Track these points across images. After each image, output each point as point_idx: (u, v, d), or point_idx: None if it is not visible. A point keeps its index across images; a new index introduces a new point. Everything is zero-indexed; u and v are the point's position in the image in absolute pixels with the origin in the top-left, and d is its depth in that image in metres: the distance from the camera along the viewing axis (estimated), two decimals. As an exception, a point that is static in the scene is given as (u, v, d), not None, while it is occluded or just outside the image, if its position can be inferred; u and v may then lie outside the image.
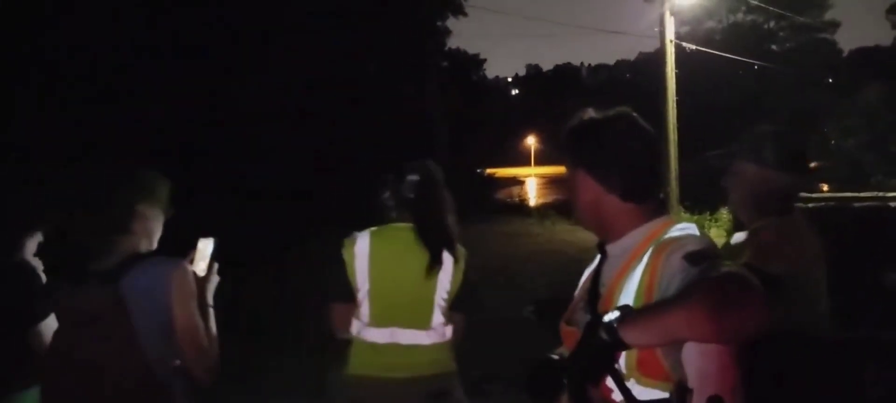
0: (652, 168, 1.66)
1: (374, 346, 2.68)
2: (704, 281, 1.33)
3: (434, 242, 2.68)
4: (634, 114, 1.67)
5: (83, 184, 2.33)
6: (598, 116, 1.68)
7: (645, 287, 1.49)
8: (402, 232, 2.70)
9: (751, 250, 2.15)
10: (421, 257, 2.66)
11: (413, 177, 2.72)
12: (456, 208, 2.82)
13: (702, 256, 1.43)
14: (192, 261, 2.42)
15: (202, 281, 2.35)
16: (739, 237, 2.26)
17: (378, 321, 2.68)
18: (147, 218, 2.28)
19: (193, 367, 2.14)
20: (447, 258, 2.72)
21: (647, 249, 1.54)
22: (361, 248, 2.69)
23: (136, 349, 2.05)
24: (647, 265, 1.51)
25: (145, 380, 2.06)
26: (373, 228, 2.75)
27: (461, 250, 2.79)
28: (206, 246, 2.46)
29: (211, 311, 2.33)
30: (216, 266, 2.44)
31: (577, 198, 1.71)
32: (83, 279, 2.15)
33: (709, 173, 2.45)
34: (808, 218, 2.28)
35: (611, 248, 1.67)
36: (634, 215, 1.63)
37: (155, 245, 2.34)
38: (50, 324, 2.36)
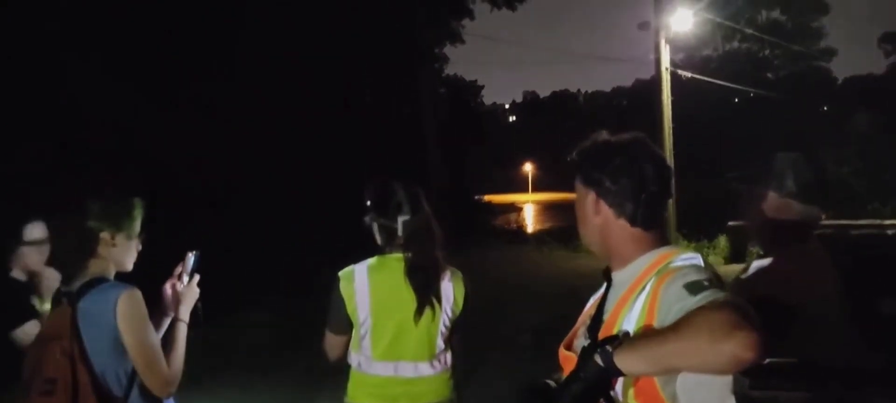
0: (663, 195, 1.65)
1: (375, 379, 2.66)
2: (701, 310, 1.32)
3: (425, 280, 2.66)
4: (647, 139, 1.67)
5: (55, 209, 2.45)
6: (612, 139, 1.68)
7: (646, 315, 1.48)
8: (399, 264, 2.67)
9: (770, 279, 2.13)
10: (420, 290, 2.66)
11: (404, 217, 2.68)
12: (446, 238, 2.77)
13: (701, 286, 1.41)
14: (179, 275, 2.55)
15: (179, 296, 2.52)
16: (758, 264, 2.23)
17: (381, 356, 2.66)
18: (113, 244, 2.38)
19: (147, 382, 2.28)
20: (447, 286, 2.71)
21: (651, 277, 1.54)
22: (360, 284, 2.66)
23: (88, 365, 2.21)
24: (650, 293, 1.50)
25: (98, 393, 2.22)
26: (370, 261, 2.72)
27: (459, 275, 2.78)
28: (189, 260, 2.56)
29: (181, 326, 2.47)
30: (196, 278, 2.56)
31: (585, 220, 1.70)
32: (58, 300, 2.35)
33: (730, 197, 2.41)
34: (825, 247, 2.25)
35: (616, 275, 1.66)
36: (642, 242, 1.62)
37: (129, 267, 2.45)
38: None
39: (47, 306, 3.04)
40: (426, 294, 2.65)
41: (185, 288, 2.55)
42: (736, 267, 8.11)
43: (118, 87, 11.79)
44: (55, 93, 11.12)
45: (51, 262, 3.14)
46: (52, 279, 3.10)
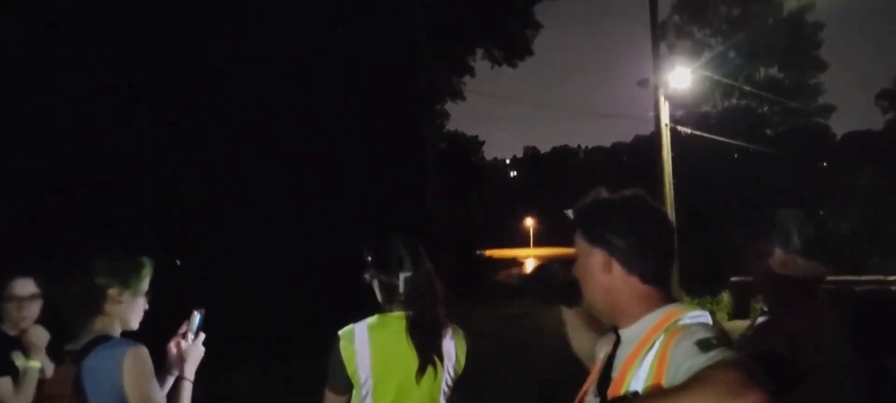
0: (668, 250, 1.64)
1: None
2: (711, 369, 1.32)
3: (427, 339, 2.62)
4: (648, 196, 1.67)
5: (61, 266, 2.43)
6: (614, 197, 1.68)
7: (654, 374, 1.47)
8: (400, 322, 2.63)
9: (776, 336, 2.12)
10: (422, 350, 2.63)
11: (405, 274, 2.65)
12: (448, 294, 2.75)
13: (711, 344, 1.41)
14: (184, 334, 2.53)
15: (184, 354, 2.50)
16: (764, 320, 2.22)
17: None
18: (120, 301, 2.38)
19: None
20: (448, 344, 2.68)
21: (660, 335, 1.53)
22: (361, 343, 2.61)
23: None
24: (658, 352, 1.49)
25: None
26: (370, 320, 2.67)
27: (460, 332, 2.74)
28: (195, 318, 2.55)
29: (187, 385, 2.46)
30: (202, 337, 2.55)
31: (592, 279, 1.67)
32: (61, 358, 2.35)
33: (733, 252, 2.42)
34: (832, 304, 2.26)
35: (624, 333, 1.64)
36: (650, 299, 1.61)
37: (135, 325, 2.45)
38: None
39: (33, 363, 3.00)
40: (428, 353, 2.60)
41: (191, 347, 2.53)
42: (740, 324, 8.04)
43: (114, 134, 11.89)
44: (57, 134, 11.23)
45: (41, 319, 3.13)
46: (39, 336, 3.08)
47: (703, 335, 1.44)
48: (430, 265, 2.72)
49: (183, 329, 2.56)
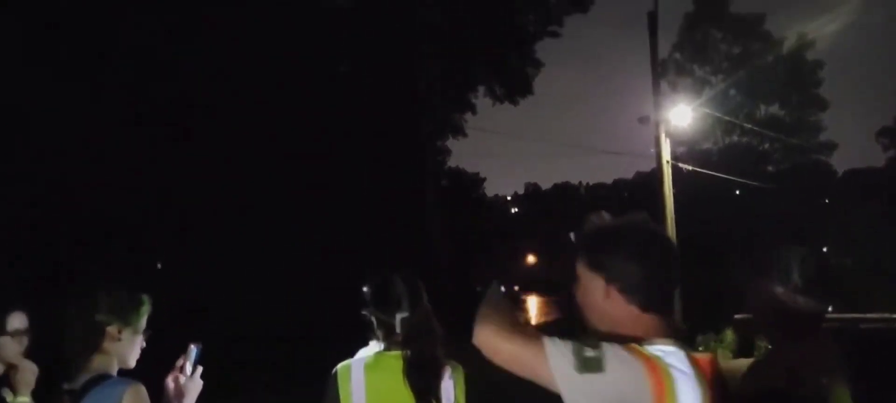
0: (671, 277, 1.62)
1: None
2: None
3: (424, 381, 2.56)
4: (650, 219, 1.66)
5: (60, 305, 2.41)
6: (618, 222, 1.66)
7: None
8: (397, 363, 2.58)
9: (777, 372, 2.11)
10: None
11: (403, 314, 2.61)
12: (448, 333, 2.71)
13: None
14: (182, 368, 2.50)
15: (182, 389, 2.46)
16: (763, 357, 2.22)
17: None
18: (119, 338, 2.37)
19: None
20: (447, 384, 2.62)
21: None
22: (357, 383, 2.56)
23: None
24: None
25: None
26: (367, 358, 2.63)
27: (460, 370, 2.68)
28: (192, 352, 2.52)
29: None
30: (199, 370, 2.51)
31: (593, 305, 1.66)
32: (59, 398, 2.29)
33: (736, 289, 2.40)
34: (833, 340, 2.24)
35: None
36: (649, 329, 1.58)
37: (132, 363, 2.44)
38: None
39: (22, 399, 2.95)
40: (425, 395, 2.54)
41: (189, 382, 2.50)
42: (744, 362, 7.98)
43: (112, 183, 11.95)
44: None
45: (29, 354, 3.09)
46: (29, 372, 3.03)
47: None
48: (429, 305, 2.68)
49: (180, 363, 2.52)
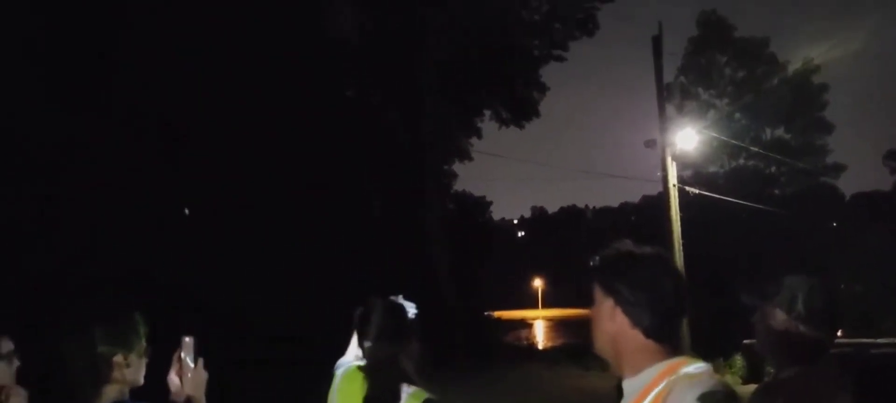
0: (679, 311, 1.67)
1: None
2: None
3: (374, 395, 2.60)
4: (668, 255, 1.72)
5: (63, 339, 2.39)
6: (635, 251, 1.71)
7: None
8: (363, 383, 2.65)
9: (781, 399, 2.13)
10: None
11: (368, 343, 2.67)
12: (427, 363, 2.72)
13: (715, 397, 1.43)
14: (180, 358, 2.49)
15: (191, 383, 2.46)
16: (768, 383, 2.22)
17: None
18: (127, 364, 2.36)
19: None
20: None
21: (659, 385, 1.55)
22: (334, 390, 2.74)
23: None
24: (654, 398, 1.53)
25: None
26: (350, 367, 2.75)
27: (416, 396, 2.62)
28: (188, 345, 2.51)
29: None
30: (202, 362, 2.50)
31: (600, 327, 1.72)
32: None
33: (744, 314, 2.44)
34: (838, 367, 2.26)
35: (626, 385, 1.66)
36: (654, 353, 1.63)
37: (141, 381, 2.42)
38: None
39: None
40: None
41: (194, 374, 2.48)
42: (753, 387, 7.90)
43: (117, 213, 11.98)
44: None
45: (18, 379, 3.06)
46: (20, 396, 3.01)
47: (706, 388, 1.46)
48: (408, 334, 2.70)
49: (176, 356, 2.50)
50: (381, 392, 2.60)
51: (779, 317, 2.26)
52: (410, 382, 2.61)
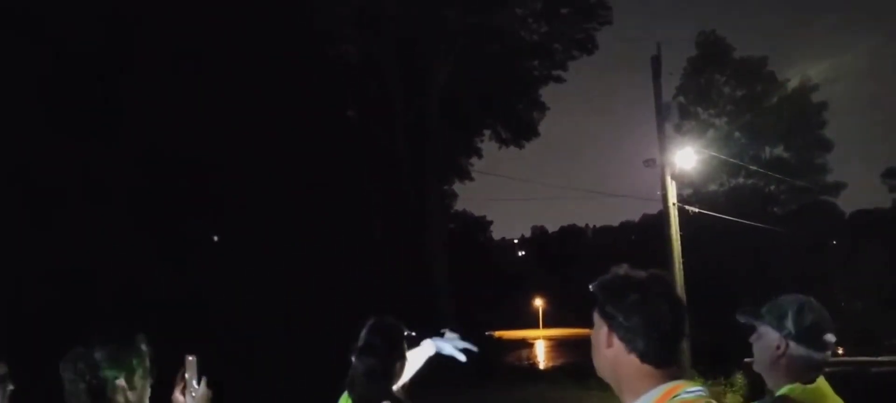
0: (675, 335, 1.65)
1: None
2: None
3: None
4: (667, 279, 1.70)
5: (69, 365, 2.37)
6: (631, 275, 1.70)
7: None
8: None
9: None
10: None
11: (353, 357, 2.69)
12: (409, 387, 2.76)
13: None
14: (184, 377, 2.48)
15: (196, 401, 2.44)
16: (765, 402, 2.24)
17: None
18: (130, 388, 2.33)
19: None
20: None
21: None
22: None
23: None
24: None
25: None
26: (346, 392, 2.75)
27: None
28: (192, 364, 2.50)
29: None
30: (205, 381, 2.47)
31: (598, 351, 1.72)
32: None
33: (742, 334, 2.46)
34: (843, 385, 2.31)
35: None
36: (652, 378, 1.62)
37: (146, 402, 2.40)
38: None
39: None
40: None
41: (199, 395, 2.47)
42: (755, 406, 7.86)
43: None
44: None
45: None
46: None
47: None
48: (395, 353, 2.70)
49: (180, 376, 2.49)
50: None
51: (771, 336, 2.29)
52: (394, 400, 2.62)
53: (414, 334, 2.82)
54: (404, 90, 23.65)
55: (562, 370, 25.12)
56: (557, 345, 48.12)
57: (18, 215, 10.83)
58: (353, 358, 2.68)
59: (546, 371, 28.05)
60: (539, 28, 28.50)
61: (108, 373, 2.30)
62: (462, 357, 2.88)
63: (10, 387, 3.01)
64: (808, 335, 2.25)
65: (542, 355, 42.11)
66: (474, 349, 2.89)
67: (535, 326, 69.39)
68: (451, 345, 2.87)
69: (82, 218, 11.66)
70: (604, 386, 1.77)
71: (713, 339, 18.01)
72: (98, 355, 2.32)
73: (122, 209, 12.22)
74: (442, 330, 2.88)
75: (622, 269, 1.72)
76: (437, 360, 2.92)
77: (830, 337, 2.26)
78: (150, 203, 12.83)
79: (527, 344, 45.32)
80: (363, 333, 2.72)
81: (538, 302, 73.21)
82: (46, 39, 12.05)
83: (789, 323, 2.25)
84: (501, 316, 41.04)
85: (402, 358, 2.73)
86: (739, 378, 15.43)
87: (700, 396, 1.54)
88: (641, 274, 1.70)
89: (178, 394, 2.50)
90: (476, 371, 18.49)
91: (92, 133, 12.30)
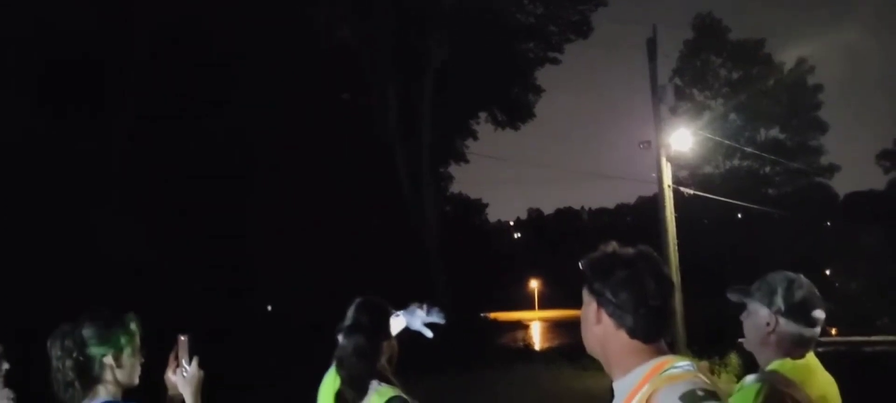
0: (663, 310, 1.66)
1: None
2: None
3: (342, 390, 2.63)
4: (655, 255, 1.70)
5: (56, 342, 2.38)
6: (619, 252, 1.71)
7: None
8: (336, 381, 2.68)
9: (765, 392, 2.14)
10: None
11: (339, 335, 2.70)
12: (396, 365, 2.75)
13: (696, 397, 1.43)
14: (177, 356, 2.50)
15: (188, 384, 2.46)
16: (751, 379, 2.25)
17: None
18: (118, 366, 2.36)
19: None
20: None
21: (645, 387, 1.55)
22: (323, 383, 2.77)
23: None
24: (640, 401, 1.52)
25: None
26: (334, 366, 2.75)
27: (383, 393, 2.60)
28: (184, 344, 2.51)
29: None
30: (196, 360, 2.50)
31: (588, 328, 1.73)
32: None
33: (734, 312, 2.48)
34: (821, 361, 2.31)
35: (616, 386, 1.67)
36: (640, 353, 1.63)
37: (136, 381, 2.43)
38: None
39: None
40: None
41: (191, 375, 2.49)
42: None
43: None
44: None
45: (6, 382, 3.04)
46: (8, 399, 2.98)
47: (688, 388, 1.46)
48: (380, 337, 2.70)
49: (173, 355, 2.52)
50: (347, 385, 2.61)
51: (761, 313, 2.31)
52: (382, 379, 2.62)
53: (399, 313, 2.83)
54: (399, 73, 23.58)
55: (557, 351, 25.26)
56: (553, 327, 48.34)
57: (12, 196, 10.81)
58: (341, 337, 2.69)
59: (541, 352, 28.21)
60: (534, 10, 28.41)
61: (95, 351, 2.32)
62: (429, 333, 2.87)
63: (6, 366, 3.01)
64: (798, 311, 2.26)
65: (537, 336, 42.30)
66: (442, 321, 2.87)
67: (531, 308, 69.65)
68: (418, 320, 2.86)
69: (76, 196, 11.65)
70: (598, 367, 1.77)
71: (708, 320, 18.12)
72: (85, 332, 2.34)
73: (115, 189, 12.21)
74: (411, 305, 2.87)
75: (610, 246, 1.73)
76: (436, 341, 2.91)
77: (820, 314, 2.28)
78: (141, 183, 12.81)
79: (522, 326, 45.50)
80: (350, 312, 2.74)
81: (534, 284, 73.45)
82: (40, 23, 12.00)
83: (779, 300, 2.28)
84: (497, 298, 41.16)
85: (389, 337, 2.75)
86: (733, 358, 15.51)
87: (687, 371, 1.55)
88: (629, 251, 1.70)
89: (169, 373, 2.51)
90: (471, 353, 18.59)
91: (84, 113, 12.27)
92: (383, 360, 2.71)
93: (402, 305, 2.90)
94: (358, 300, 2.78)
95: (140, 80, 13.32)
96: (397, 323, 2.81)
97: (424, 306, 2.85)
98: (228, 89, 14.96)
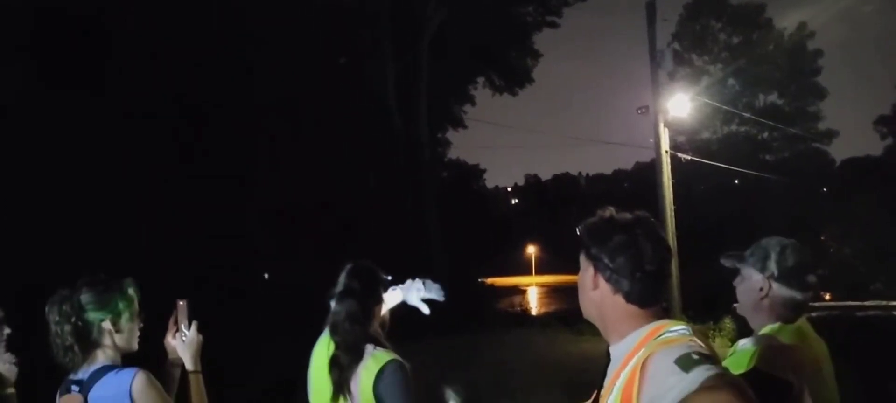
0: (660, 275, 1.67)
1: None
2: (701, 395, 1.34)
3: (339, 369, 2.62)
4: (652, 220, 1.71)
5: (54, 307, 2.39)
6: (616, 217, 1.72)
7: (625, 388, 1.51)
8: (330, 346, 2.69)
9: (759, 355, 2.16)
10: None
11: (331, 300, 2.72)
12: (389, 328, 2.78)
13: (692, 360, 1.43)
14: (176, 320, 2.53)
15: (186, 347, 2.48)
16: (744, 343, 2.27)
17: None
18: (118, 330, 2.38)
19: None
20: (359, 372, 2.60)
21: (641, 350, 1.55)
22: (314, 352, 2.78)
23: None
24: (633, 367, 1.53)
25: None
26: (326, 331, 2.77)
27: (378, 358, 2.59)
28: (183, 308, 2.54)
29: (197, 377, 2.45)
30: (195, 325, 2.52)
31: (584, 293, 1.75)
32: (67, 387, 2.32)
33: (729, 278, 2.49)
34: (813, 325, 2.32)
35: (613, 350, 1.68)
36: (637, 318, 1.64)
37: (135, 347, 2.46)
38: None
39: (9, 391, 2.92)
40: (339, 383, 2.62)
41: (190, 339, 2.51)
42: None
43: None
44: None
45: (8, 347, 3.04)
46: (9, 363, 2.99)
47: (683, 351, 1.47)
48: (372, 301, 2.73)
49: (172, 320, 2.54)
50: (342, 350, 2.63)
51: (754, 277, 2.34)
52: (377, 344, 2.64)
53: (390, 278, 2.85)
54: (397, 37, 23.40)
55: (553, 315, 25.47)
56: (550, 292, 48.66)
57: (11, 165, 10.80)
58: (333, 303, 2.71)
59: (538, 316, 28.42)
60: (533, -27, 28.12)
61: (94, 316, 2.35)
62: (426, 310, 2.90)
63: (7, 331, 3.02)
64: (791, 275, 2.28)
65: (534, 301, 42.57)
66: (440, 298, 2.89)
67: (529, 273, 69.98)
68: (416, 295, 2.88)
69: (74, 167, 11.64)
70: (595, 331, 1.79)
71: (704, 285, 18.23)
72: (83, 297, 2.36)
73: (113, 156, 12.18)
74: (410, 279, 2.89)
75: (608, 212, 1.74)
76: (431, 308, 2.93)
77: (813, 278, 2.30)
78: (140, 149, 12.78)
79: (519, 291, 45.72)
80: (342, 277, 2.76)
81: (531, 250, 73.70)
82: None
83: (772, 264, 2.30)
84: (494, 264, 41.34)
85: (380, 301, 2.78)
86: (728, 323, 15.65)
87: (683, 334, 1.56)
88: (626, 215, 1.71)
89: (169, 337, 2.54)
90: (468, 318, 18.72)
91: (81, 84, 12.20)
92: (376, 325, 2.74)
93: (399, 271, 2.92)
94: (349, 265, 2.80)
95: (135, 42, 13.22)
96: (394, 296, 2.83)
97: (423, 281, 2.87)
98: (221, 52, 14.84)
